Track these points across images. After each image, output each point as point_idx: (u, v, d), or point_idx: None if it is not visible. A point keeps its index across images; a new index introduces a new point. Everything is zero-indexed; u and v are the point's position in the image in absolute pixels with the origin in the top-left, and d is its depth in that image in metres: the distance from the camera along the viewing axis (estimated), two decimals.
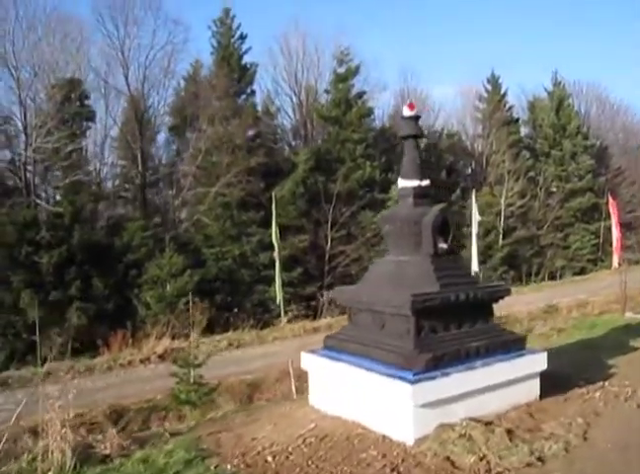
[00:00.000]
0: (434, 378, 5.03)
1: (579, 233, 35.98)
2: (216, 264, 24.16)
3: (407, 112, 6.12)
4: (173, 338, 17.99)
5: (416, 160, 6.10)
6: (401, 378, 5.04)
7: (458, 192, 31.50)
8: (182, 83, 29.51)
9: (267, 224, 21.75)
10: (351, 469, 4.70)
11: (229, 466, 5.10)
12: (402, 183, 6.11)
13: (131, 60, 27.13)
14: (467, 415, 5.20)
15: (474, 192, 19.84)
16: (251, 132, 27.32)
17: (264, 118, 29.28)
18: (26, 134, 24.17)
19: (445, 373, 5.11)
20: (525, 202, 33.85)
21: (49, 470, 5.44)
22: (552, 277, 33.53)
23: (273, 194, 21.49)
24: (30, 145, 23.91)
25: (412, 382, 4.94)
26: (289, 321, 21.50)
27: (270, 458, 5.15)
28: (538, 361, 5.79)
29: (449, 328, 5.60)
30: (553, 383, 6.56)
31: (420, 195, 6.01)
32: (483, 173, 36.42)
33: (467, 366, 5.29)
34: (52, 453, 5.56)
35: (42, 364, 16.09)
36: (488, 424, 5.18)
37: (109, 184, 28.75)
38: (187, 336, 18.07)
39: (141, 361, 16.23)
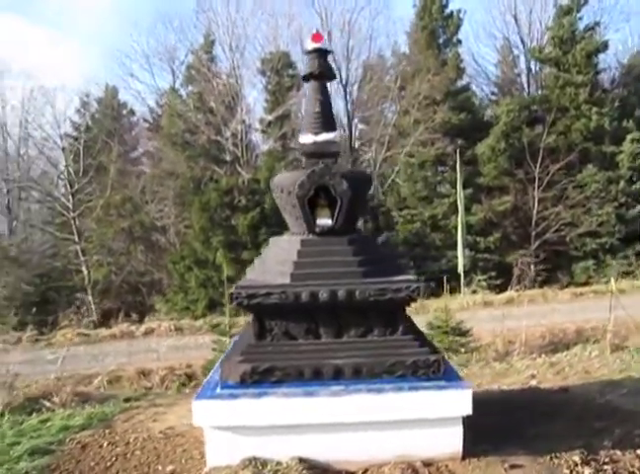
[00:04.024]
0: (235, 397, 3.79)
1: None
2: (405, 227, 23.21)
3: (310, 44, 4.60)
4: None
5: (315, 107, 4.57)
6: (202, 390, 3.99)
7: None
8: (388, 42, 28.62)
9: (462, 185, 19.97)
10: None
11: (77, 443, 4.88)
12: (299, 138, 4.69)
13: (334, 26, 27.36)
14: (310, 455, 3.82)
15: None
16: (454, 86, 25.06)
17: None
18: (240, 109, 26.60)
19: (256, 394, 3.80)
20: None
21: None
22: None
23: (457, 151, 19.65)
24: (243, 118, 26.31)
25: (199, 397, 3.85)
26: (474, 291, 19.62)
27: (106, 444, 4.82)
28: (452, 402, 3.83)
29: (319, 336, 4.14)
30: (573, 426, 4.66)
31: (312, 153, 4.50)
32: None
33: (305, 391, 3.85)
34: None
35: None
36: None
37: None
38: None
39: None
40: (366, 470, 3.82)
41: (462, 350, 9.59)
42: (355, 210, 4.46)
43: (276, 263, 4.33)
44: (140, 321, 19.85)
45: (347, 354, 4.04)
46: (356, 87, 27.96)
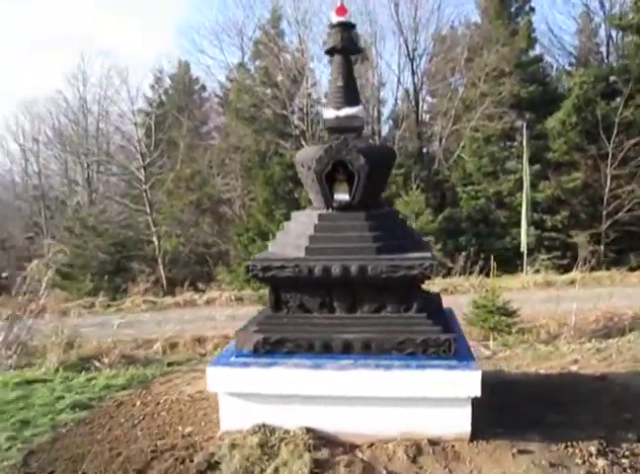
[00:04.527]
0: (247, 366, 3.94)
1: None
2: (469, 203, 22.62)
3: (335, 17, 4.56)
4: None
5: (338, 82, 4.55)
6: (218, 357, 4.20)
7: None
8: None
9: (529, 160, 19.23)
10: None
11: (114, 401, 5.29)
12: (323, 113, 4.70)
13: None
14: (318, 426, 3.92)
15: None
16: (525, 57, 23.88)
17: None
18: (306, 82, 26.65)
19: (266, 364, 3.93)
20: None
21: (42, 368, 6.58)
22: None
23: (523, 125, 18.89)
24: (309, 92, 26.37)
25: (213, 364, 4.05)
26: (537, 271, 18.95)
27: (138, 403, 5.16)
28: (460, 383, 3.76)
29: (333, 309, 4.20)
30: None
31: (335, 128, 4.51)
32: None
33: (314, 363, 3.94)
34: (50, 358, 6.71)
35: None
36: (325, 445, 3.81)
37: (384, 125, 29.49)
38: None
39: None
40: (372, 444, 3.87)
41: (513, 330, 9.37)
42: (375, 185, 4.44)
43: (295, 237, 4.41)
44: (205, 290, 20.67)
45: (359, 328, 4.08)
46: (424, 59, 27.23)
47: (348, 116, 4.47)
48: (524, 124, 18.80)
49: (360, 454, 3.78)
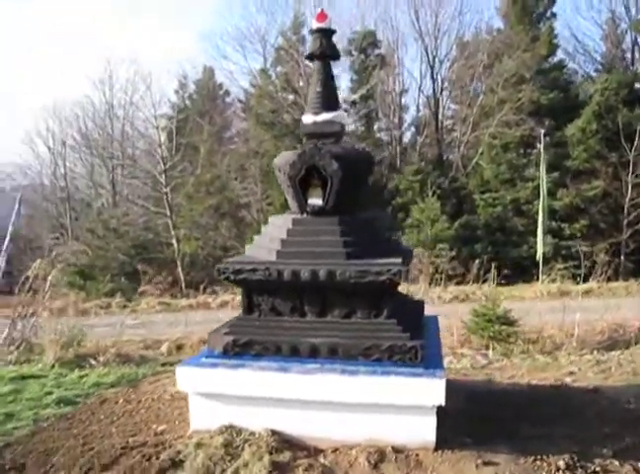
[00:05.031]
0: (215, 366, 4.00)
1: None
2: (486, 210, 22.39)
3: (315, 23, 4.61)
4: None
5: (317, 87, 4.60)
6: (191, 358, 4.29)
7: None
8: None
9: (548, 168, 18.96)
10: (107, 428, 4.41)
11: (99, 398, 5.39)
12: (302, 119, 4.75)
13: (422, 4, 26.62)
14: (283, 429, 3.95)
15: None
16: (546, 63, 23.58)
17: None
18: None
19: (234, 365, 3.98)
20: None
21: (39, 364, 6.74)
22: None
23: (541, 132, 18.62)
24: None
25: (183, 364, 4.14)
26: (554, 280, 18.60)
27: (121, 401, 5.24)
28: (424, 391, 3.74)
29: (304, 314, 4.23)
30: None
31: (312, 133, 4.56)
32: None
33: (280, 366, 3.97)
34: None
35: None
36: (288, 448, 3.84)
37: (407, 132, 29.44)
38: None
39: None
40: (336, 449, 3.88)
41: (519, 339, 9.21)
42: (350, 190, 4.46)
43: (269, 240, 4.46)
44: (218, 293, 20.79)
45: (327, 333, 4.10)
46: (445, 66, 27.14)
47: (325, 121, 4.51)
48: (543, 131, 18.54)
49: (321, 459, 3.79)
